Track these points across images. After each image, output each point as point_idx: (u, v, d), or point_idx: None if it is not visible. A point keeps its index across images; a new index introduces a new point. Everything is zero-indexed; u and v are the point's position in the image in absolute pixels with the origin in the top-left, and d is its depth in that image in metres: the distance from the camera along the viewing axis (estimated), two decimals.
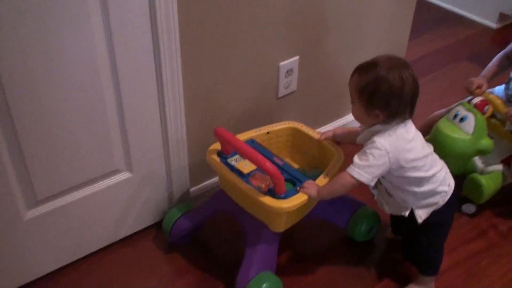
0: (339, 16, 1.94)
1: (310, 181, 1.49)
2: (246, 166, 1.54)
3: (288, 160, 1.76)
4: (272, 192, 1.45)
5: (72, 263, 1.70)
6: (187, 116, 1.69)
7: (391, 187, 1.48)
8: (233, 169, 1.54)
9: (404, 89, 1.32)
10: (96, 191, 1.63)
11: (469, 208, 1.90)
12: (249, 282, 1.48)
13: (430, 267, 1.60)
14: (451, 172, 1.51)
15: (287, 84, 1.93)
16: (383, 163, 1.37)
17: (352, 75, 1.39)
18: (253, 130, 1.70)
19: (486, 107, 1.75)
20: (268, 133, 1.72)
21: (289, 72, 1.90)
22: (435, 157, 1.47)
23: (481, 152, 1.76)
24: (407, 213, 1.49)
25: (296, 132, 1.75)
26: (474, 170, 1.86)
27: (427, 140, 1.48)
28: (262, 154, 1.53)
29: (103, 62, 1.43)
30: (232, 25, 1.64)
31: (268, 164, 1.39)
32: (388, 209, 1.56)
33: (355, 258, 1.76)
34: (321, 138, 1.65)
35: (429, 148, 1.46)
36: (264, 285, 1.47)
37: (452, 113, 1.77)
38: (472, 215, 1.90)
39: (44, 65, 1.33)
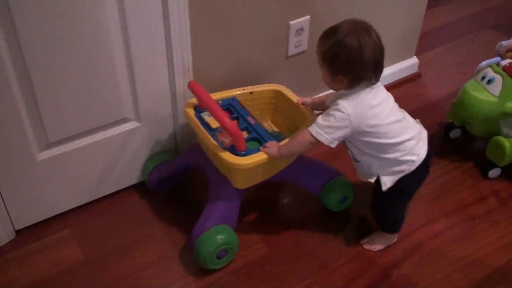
0: None
1: (273, 142, 1.52)
2: (214, 122, 1.58)
3: (269, 122, 1.79)
4: (233, 148, 1.48)
5: (83, 205, 1.81)
6: (195, 69, 1.74)
7: (358, 152, 1.50)
8: (203, 123, 1.59)
9: (363, 53, 1.32)
10: (105, 138, 1.71)
11: (495, 173, 1.92)
12: (203, 232, 1.52)
13: (390, 227, 1.67)
14: (477, 134, 1.61)
15: (298, 43, 1.95)
16: (343, 125, 1.38)
17: (317, 42, 1.41)
18: (238, 89, 1.74)
19: None
20: (251, 93, 1.74)
21: (299, 31, 1.92)
22: (405, 124, 1.46)
23: (507, 115, 1.77)
24: (373, 180, 1.52)
25: (279, 95, 1.75)
26: (499, 133, 1.86)
27: (454, 102, 1.64)
28: (238, 113, 1.62)
29: (112, 9, 1.49)
30: None
31: (226, 120, 1.41)
32: (358, 175, 1.60)
33: (331, 224, 1.78)
34: (298, 103, 1.67)
35: (400, 115, 1.45)
36: (218, 236, 1.51)
37: (480, 74, 1.80)
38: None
39: (55, 11, 1.39)
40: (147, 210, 1.81)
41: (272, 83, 1.82)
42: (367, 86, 1.39)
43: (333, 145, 1.41)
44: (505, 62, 1.77)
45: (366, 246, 1.70)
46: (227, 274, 1.60)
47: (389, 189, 1.49)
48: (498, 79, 1.75)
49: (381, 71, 1.40)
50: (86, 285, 1.58)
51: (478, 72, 1.86)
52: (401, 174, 1.48)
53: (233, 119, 1.65)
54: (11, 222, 1.69)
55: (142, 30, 1.57)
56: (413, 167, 1.47)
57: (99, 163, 1.76)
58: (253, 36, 1.82)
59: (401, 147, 1.44)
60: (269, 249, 1.69)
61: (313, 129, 1.40)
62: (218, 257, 1.56)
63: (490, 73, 1.77)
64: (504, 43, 1.85)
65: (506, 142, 1.80)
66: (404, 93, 2.39)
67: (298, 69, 2.03)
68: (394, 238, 1.70)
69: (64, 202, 1.77)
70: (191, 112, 1.63)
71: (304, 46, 1.98)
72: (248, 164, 1.46)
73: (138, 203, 1.84)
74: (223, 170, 1.58)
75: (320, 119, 1.41)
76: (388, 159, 1.45)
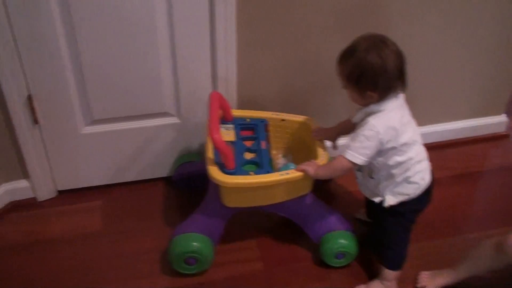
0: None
1: (312, 161, 1.53)
2: (227, 135, 1.62)
3: (289, 151, 1.77)
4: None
5: (116, 184, 1.98)
6: (238, 73, 1.81)
7: (374, 169, 1.49)
8: None
9: (386, 66, 1.34)
10: (145, 127, 1.87)
11: None
12: (181, 234, 1.56)
13: (391, 259, 1.59)
14: None
15: None
16: (375, 144, 1.40)
17: (337, 65, 1.42)
18: (272, 113, 1.76)
19: None
20: (283, 120, 1.75)
21: None
22: (422, 147, 1.49)
23: None
24: (378, 200, 1.53)
25: (305, 127, 1.73)
26: None
27: None
28: (258, 134, 1.65)
29: (160, 5, 1.62)
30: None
31: (215, 136, 1.42)
32: (365, 192, 1.57)
33: None
34: (312, 135, 1.67)
35: (420, 137, 1.48)
36: (193, 243, 1.54)
37: None
38: None
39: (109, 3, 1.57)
40: (167, 202, 1.92)
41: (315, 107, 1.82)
42: (395, 96, 1.41)
43: (367, 163, 1.44)
44: None
45: None
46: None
47: (392, 212, 1.50)
48: None
49: (405, 75, 1.40)
50: (89, 253, 1.73)
51: None
52: (406, 197, 1.49)
53: (251, 139, 1.69)
54: (54, 182, 1.91)
55: (188, 33, 1.69)
56: (418, 191, 1.49)
57: (136, 148, 1.91)
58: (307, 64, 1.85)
59: (414, 167, 1.46)
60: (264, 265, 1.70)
61: (347, 154, 1.42)
62: (187, 263, 1.58)
63: None
64: None
65: None
66: (482, 150, 2.20)
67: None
68: (393, 285, 1.60)
69: (101, 176, 1.95)
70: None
71: None
72: (229, 183, 1.46)
73: (162, 195, 1.95)
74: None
75: (352, 142, 1.42)
76: (397, 176, 1.47)
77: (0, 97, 1.66)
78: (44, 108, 1.73)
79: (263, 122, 1.74)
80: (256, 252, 1.72)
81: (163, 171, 1.99)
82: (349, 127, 1.54)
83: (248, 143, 1.68)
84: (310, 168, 1.50)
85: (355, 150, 1.41)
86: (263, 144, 1.65)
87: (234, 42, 1.73)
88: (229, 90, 1.83)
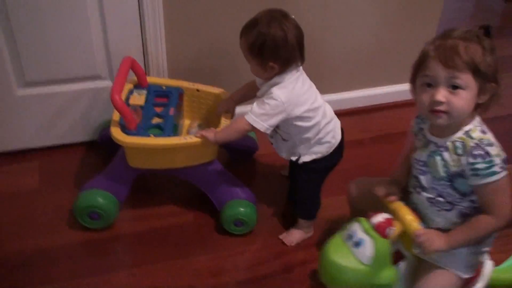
0: None
1: (212, 128, 1.60)
2: (138, 100, 1.71)
3: (206, 122, 1.83)
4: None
5: (53, 147, 2.05)
6: (167, 37, 1.89)
7: (287, 135, 1.58)
8: (127, 98, 1.71)
9: (287, 37, 1.43)
10: (78, 90, 1.94)
11: None
12: (87, 189, 1.66)
13: (308, 213, 1.72)
14: None
15: None
16: (278, 112, 1.47)
17: (240, 39, 1.49)
18: (188, 82, 1.82)
19: (388, 229, 1.27)
20: (198, 90, 1.81)
21: None
22: (326, 108, 1.58)
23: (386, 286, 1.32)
24: (294, 159, 1.62)
25: (219, 99, 1.78)
26: None
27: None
28: (170, 101, 1.72)
29: None
30: None
31: (114, 97, 1.49)
32: (282, 154, 1.66)
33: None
34: (217, 109, 1.73)
35: (322, 101, 1.57)
36: (98, 198, 1.64)
37: (346, 232, 1.33)
38: None
39: None
40: (95, 164, 1.99)
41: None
42: (295, 69, 1.49)
43: (268, 132, 1.51)
44: (377, 218, 1.28)
45: (283, 239, 1.74)
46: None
47: (306, 169, 1.61)
48: (367, 242, 1.27)
49: (304, 49, 1.49)
50: (22, 210, 1.81)
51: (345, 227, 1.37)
52: (320, 155, 1.60)
53: (162, 105, 1.74)
54: None
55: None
56: (330, 149, 1.59)
57: (70, 112, 1.98)
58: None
59: (323, 129, 1.55)
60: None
61: (250, 117, 1.48)
62: (91, 217, 1.68)
63: (358, 233, 1.29)
64: (381, 186, 1.37)
65: None
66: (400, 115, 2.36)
67: None
68: (310, 231, 1.75)
69: (37, 139, 2.02)
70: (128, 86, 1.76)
71: None
72: (125, 143, 1.54)
73: (92, 157, 2.04)
74: None
75: (255, 108, 1.48)
76: (312, 139, 1.56)
77: None
78: None
79: (178, 91, 1.80)
80: (163, 212, 1.82)
81: (96, 134, 2.07)
82: (252, 93, 1.61)
83: (158, 109, 1.72)
84: (209, 133, 1.56)
85: (258, 116, 1.47)
86: (171, 111, 1.70)
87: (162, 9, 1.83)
88: (159, 55, 1.92)
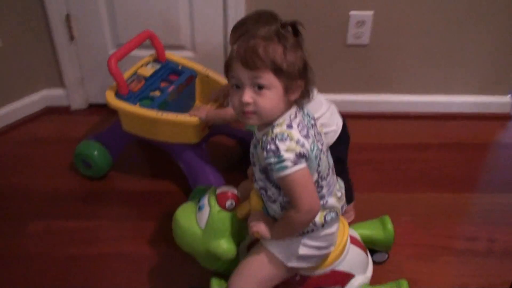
0: None
1: (206, 106, 1.67)
2: (145, 71, 1.80)
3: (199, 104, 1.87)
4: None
5: None
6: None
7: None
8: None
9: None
10: None
11: None
12: (89, 140, 1.83)
13: None
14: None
15: (358, 34, 2.07)
16: None
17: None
18: (202, 67, 1.87)
19: (230, 202, 1.31)
20: (207, 76, 1.85)
21: (360, 23, 2.04)
22: (319, 100, 1.51)
23: (217, 256, 1.32)
24: None
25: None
26: None
27: None
28: (179, 79, 1.81)
29: None
30: None
31: (109, 61, 1.62)
32: None
33: None
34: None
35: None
36: (89, 148, 1.80)
37: (200, 197, 1.38)
38: None
39: None
40: None
41: (328, 70, 2.05)
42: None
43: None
44: (222, 188, 1.33)
45: None
46: None
47: None
48: (206, 208, 1.32)
49: None
50: None
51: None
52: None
53: (169, 82, 1.82)
54: (86, 94, 2.26)
55: None
56: (335, 136, 1.52)
57: None
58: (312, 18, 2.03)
59: (327, 114, 1.51)
60: None
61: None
62: (85, 165, 1.84)
63: (203, 198, 1.35)
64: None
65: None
66: (481, 129, 2.28)
67: (358, 61, 2.17)
68: (352, 214, 1.71)
69: None
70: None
71: (365, 40, 2.11)
72: (110, 105, 1.67)
73: None
74: None
75: None
76: None
77: (43, 16, 2.01)
78: (79, 27, 2.04)
79: (191, 73, 1.86)
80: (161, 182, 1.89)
81: None
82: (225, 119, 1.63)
83: (164, 84, 1.80)
84: (201, 112, 1.61)
85: None
86: (171, 88, 1.77)
87: None
88: None
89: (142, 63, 1.84)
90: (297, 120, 1.15)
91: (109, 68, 1.63)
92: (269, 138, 1.11)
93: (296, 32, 1.11)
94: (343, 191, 1.31)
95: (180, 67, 1.87)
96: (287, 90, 1.11)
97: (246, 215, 1.30)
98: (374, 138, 2.15)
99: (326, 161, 1.22)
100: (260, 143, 1.15)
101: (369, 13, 2.04)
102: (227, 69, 1.13)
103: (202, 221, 1.31)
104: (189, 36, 2.10)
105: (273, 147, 1.10)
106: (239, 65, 1.09)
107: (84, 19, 2.04)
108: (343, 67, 2.17)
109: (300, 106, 1.18)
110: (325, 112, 1.51)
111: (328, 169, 1.23)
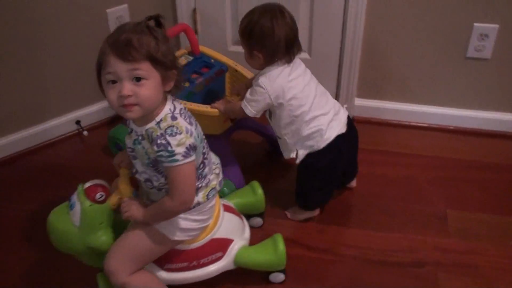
0: None
1: (230, 99, 1.74)
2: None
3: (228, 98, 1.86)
4: None
5: None
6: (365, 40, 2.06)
7: (278, 129, 1.63)
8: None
9: (275, 30, 1.48)
10: None
11: None
12: (121, 124, 1.94)
13: (301, 201, 1.74)
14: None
15: (479, 47, 2.01)
16: (263, 98, 1.55)
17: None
18: (233, 61, 1.90)
19: (99, 195, 1.33)
20: (236, 71, 1.89)
21: (483, 36, 1.98)
22: (321, 100, 1.59)
23: (98, 250, 1.34)
24: (294, 155, 1.64)
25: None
26: None
27: None
28: (209, 71, 1.85)
29: None
30: None
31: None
32: (284, 155, 1.68)
33: None
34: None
35: (319, 90, 1.60)
36: (120, 131, 1.91)
37: (71, 196, 1.37)
38: None
39: None
40: None
41: (444, 82, 2.04)
42: (284, 64, 1.55)
43: (258, 116, 1.61)
44: (88, 184, 1.35)
45: (288, 214, 1.78)
46: None
47: (301, 162, 1.64)
48: (78, 205, 1.32)
49: (293, 50, 1.54)
50: None
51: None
52: (309, 150, 1.61)
53: (201, 74, 1.85)
54: None
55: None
56: (321, 144, 1.59)
57: None
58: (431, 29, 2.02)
59: (313, 121, 1.57)
60: None
61: (242, 103, 1.60)
62: (116, 147, 1.97)
63: (73, 196, 1.34)
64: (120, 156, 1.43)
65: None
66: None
67: (478, 76, 2.10)
68: (304, 214, 1.76)
69: None
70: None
71: (486, 54, 2.04)
72: None
73: None
74: None
75: (247, 94, 1.59)
76: (301, 132, 1.59)
77: (173, 9, 2.15)
78: (203, 21, 2.15)
79: (222, 66, 1.89)
80: None
81: None
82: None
83: (194, 76, 1.84)
84: (220, 105, 1.67)
85: (248, 102, 1.58)
86: (199, 80, 1.81)
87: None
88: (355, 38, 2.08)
89: (177, 55, 1.88)
90: (177, 109, 1.23)
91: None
92: (159, 134, 1.18)
93: (159, 25, 1.19)
94: (220, 167, 1.42)
95: (212, 61, 1.92)
96: (163, 81, 1.18)
97: (118, 203, 1.34)
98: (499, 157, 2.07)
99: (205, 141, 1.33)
100: (146, 139, 1.21)
101: (494, 26, 1.97)
102: (99, 68, 1.17)
103: (76, 218, 1.32)
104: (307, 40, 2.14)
105: (163, 141, 1.18)
106: (115, 60, 1.13)
107: (209, 14, 2.14)
108: (460, 80, 2.11)
109: (173, 95, 1.26)
110: (325, 114, 1.59)
111: (207, 149, 1.35)
